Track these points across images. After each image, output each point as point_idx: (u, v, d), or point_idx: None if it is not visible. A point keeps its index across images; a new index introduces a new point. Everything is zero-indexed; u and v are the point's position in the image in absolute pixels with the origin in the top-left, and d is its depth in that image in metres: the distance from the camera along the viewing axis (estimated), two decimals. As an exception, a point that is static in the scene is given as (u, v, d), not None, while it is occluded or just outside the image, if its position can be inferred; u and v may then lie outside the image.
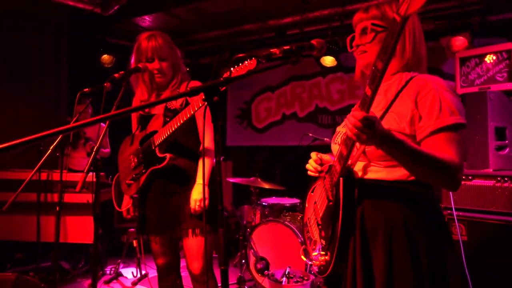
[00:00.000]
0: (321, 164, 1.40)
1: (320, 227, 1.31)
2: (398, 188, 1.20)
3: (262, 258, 3.17)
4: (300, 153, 4.09)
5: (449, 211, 2.48)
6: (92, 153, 4.41)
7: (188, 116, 1.75)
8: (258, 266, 3.13)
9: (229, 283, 3.45)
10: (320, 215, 1.31)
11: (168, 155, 1.89)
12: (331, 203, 1.23)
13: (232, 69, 1.37)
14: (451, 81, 3.80)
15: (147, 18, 4.52)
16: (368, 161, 1.24)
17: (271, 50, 1.12)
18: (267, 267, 3.13)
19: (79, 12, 4.07)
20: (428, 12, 3.90)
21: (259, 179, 3.67)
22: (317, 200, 1.38)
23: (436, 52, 3.99)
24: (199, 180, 1.93)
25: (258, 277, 3.16)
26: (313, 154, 1.43)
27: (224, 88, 1.00)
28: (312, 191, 1.47)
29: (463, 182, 2.49)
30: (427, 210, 1.20)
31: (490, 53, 2.90)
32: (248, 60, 1.32)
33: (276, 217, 3.35)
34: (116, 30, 4.74)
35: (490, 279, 2.31)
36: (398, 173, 1.19)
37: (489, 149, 2.54)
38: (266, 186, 3.64)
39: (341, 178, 1.18)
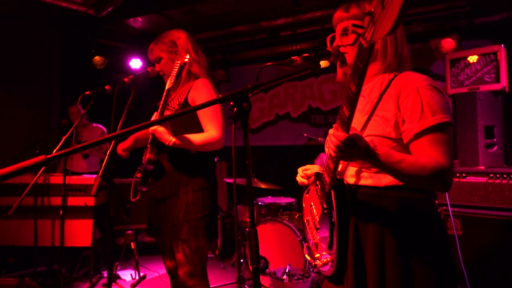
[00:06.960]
0: (307, 178, 1.43)
1: (318, 231, 1.33)
2: (388, 196, 1.18)
3: (261, 257, 3.22)
4: (294, 153, 4.19)
5: (444, 207, 2.59)
6: (87, 155, 4.35)
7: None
8: (258, 265, 3.18)
9: (228, 282, 3.51)
10: (317, 219, 1.33)
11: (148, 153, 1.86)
12: (325, 211, 1.23)
13: None
14: (441, 82, 3.94)
15: (139, 19, 4.51)
16: (360, 166, 1.23)
17: (292, 57, 1.17)
18: (266, 265, 3.19)
19: (71, 13, 4.04)
20: (416, 15, 4.02)
21: (255, 179, 3.72)
22: (313, 204, 1.39)
23: (424, 53, 4.13)
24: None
25: (257, 275, 3.21)
26: (299, 170, 1.44)
27: (251, 94, 1.05)
28: (307, 193, 1.48)
29: (457, 179, 2.60)
30: (419, 218, 1.18)
31: (478, 55, 3.02)
32: None
33: (273, 216, 3.40)
34: (108, 31, 4.71)
35: (484, 271, 2.42)
36: (388, 178, 1.18)
37: (479, 147, 2.65)
38: (263, 186, 3.69)
39: (332, 190, 1.18)
